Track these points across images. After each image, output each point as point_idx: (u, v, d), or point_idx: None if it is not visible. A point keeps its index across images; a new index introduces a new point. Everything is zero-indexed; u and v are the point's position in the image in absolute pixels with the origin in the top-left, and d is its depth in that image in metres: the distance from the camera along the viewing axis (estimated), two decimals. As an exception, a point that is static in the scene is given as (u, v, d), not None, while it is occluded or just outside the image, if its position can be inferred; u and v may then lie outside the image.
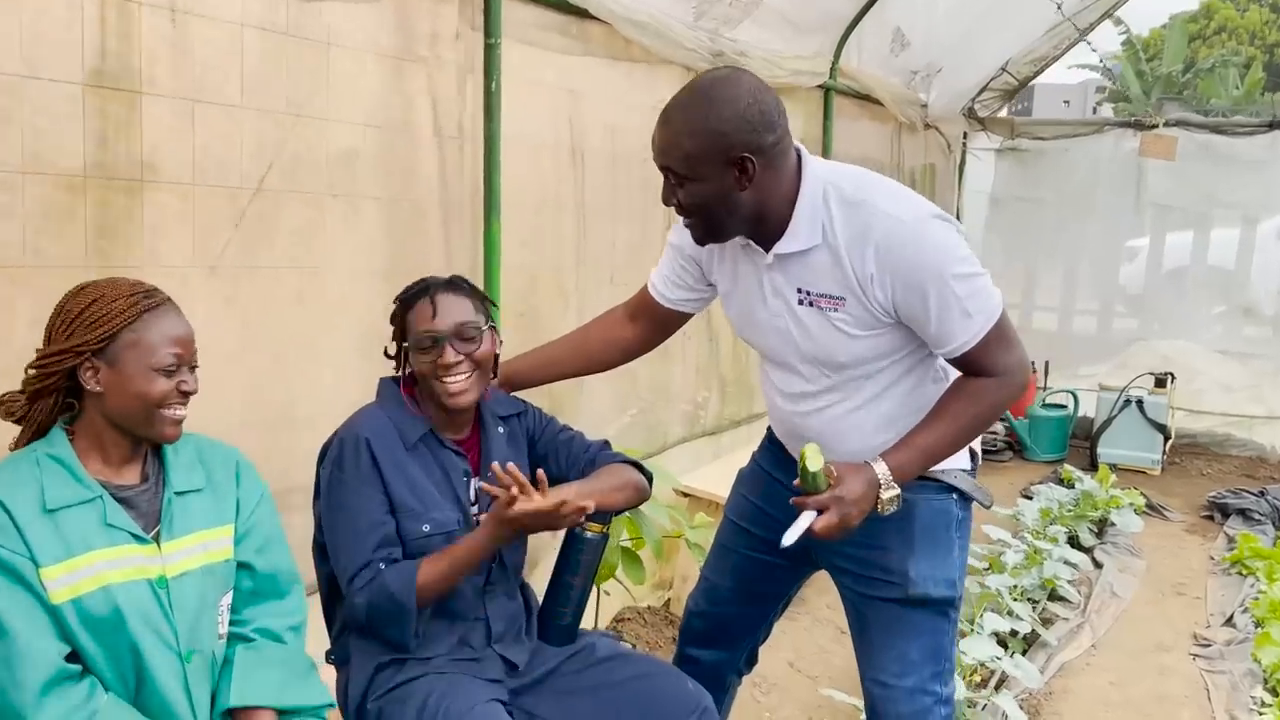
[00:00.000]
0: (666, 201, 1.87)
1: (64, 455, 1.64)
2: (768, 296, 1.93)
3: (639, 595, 3.69)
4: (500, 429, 2.14)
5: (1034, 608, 3.99)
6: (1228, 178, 6.79)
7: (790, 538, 1.80)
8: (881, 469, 1.80)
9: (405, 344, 1.99)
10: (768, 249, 1.88)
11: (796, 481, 1.81)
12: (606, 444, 2.25)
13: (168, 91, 2.17)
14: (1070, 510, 5.09)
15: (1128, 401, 6.43)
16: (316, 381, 2.54)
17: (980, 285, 1.80)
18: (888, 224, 1.77)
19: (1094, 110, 29.45)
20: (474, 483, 2.06)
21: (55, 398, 1.67)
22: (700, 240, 1.92)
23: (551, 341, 2.34)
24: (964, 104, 6.90)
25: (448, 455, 2.03)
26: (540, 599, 2.13)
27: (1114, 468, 6.00)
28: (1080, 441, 6.87)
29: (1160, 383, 6.47)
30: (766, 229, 1.85)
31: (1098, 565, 4.70)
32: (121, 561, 1.61)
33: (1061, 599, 4.21)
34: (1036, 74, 6.89)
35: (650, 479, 2.22)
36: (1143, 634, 4.06)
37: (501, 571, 2.08)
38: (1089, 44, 6.34)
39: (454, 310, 1.97)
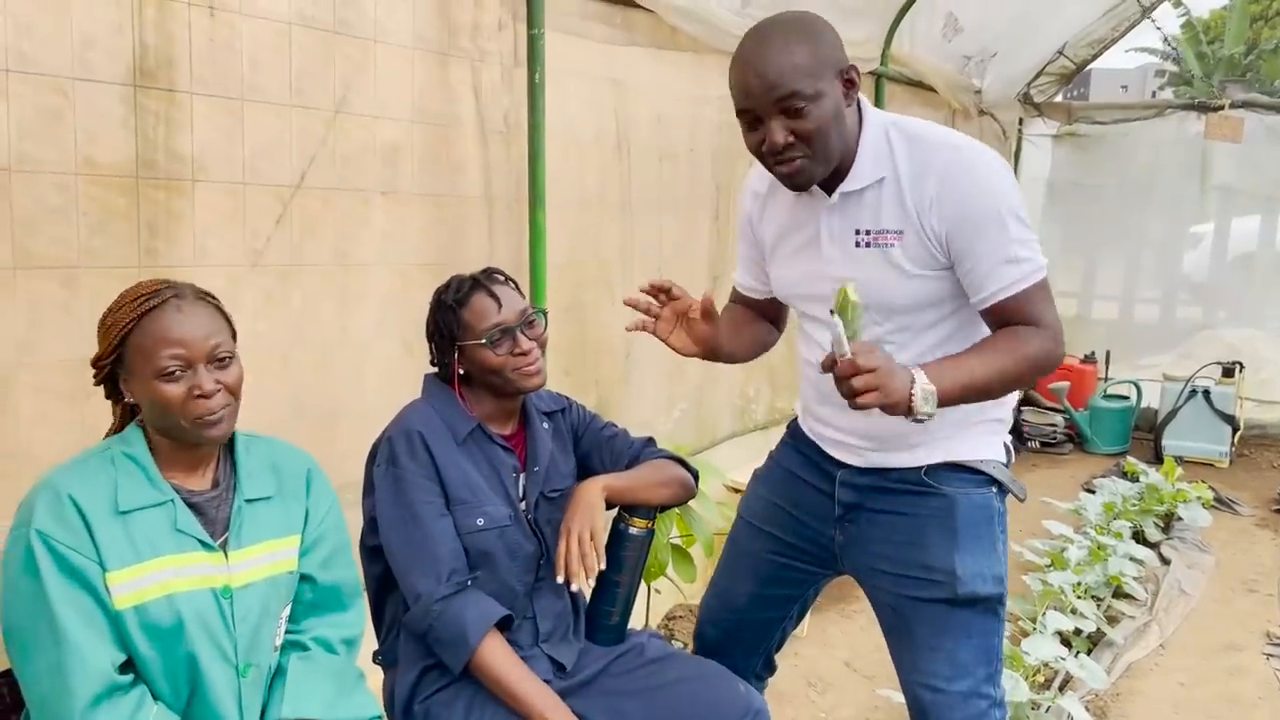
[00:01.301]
0: (776, 145, 1.74)
1: (139, 454, 1.60)
2: (824, 244, 1.86)
3: (690, 593, 3.64)
4: (545, 425, 2.12)
5: (1098, 605, 3.87)
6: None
7: (831, 324, 1.61)
8: (920, 375, 1.62)
9: (463, 343, 1.96)
10: (831, 191, 1.83)
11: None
12: (651, 440, 2.21)
13: (216, 90, 2.16)
14: (1135, 505, 4.93)
15: (1194, 392, 6.24)
16: (363, 378, 2.53)
17: (1031, 237, 1.75)
18: (949, 154, 1.74)
19: (1153, 95, 28.74)
20: (522, 478, 2.04)
21: (117, 402, 1.64)
22: (806, 180, 1.79)
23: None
24: (1019, 89, 6.74)
25: (496, 451, 2.01)
26: (588, 598, 2.10)
27: (1180, 460, 5.83)
28: (1144, 434, 6.69)
29: (1228, 372, 6.28)
30: (835, 169, 1.81)
31: (1165, 561, 4.56)
32: (188, 569, 1.57)
33: (1127, 596, 4.09)
34: (1095, 57, 6.69)
35: (696, 476, 2.19)
36: (1213, 633, 3.92)
37: (550, 569, 2.03)
38: (1153, 21, 6.14)
39: (513, 300, 1.98)
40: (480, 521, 1.94)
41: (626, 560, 2.06)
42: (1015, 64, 6.39)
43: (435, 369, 2.06)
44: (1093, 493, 5.04)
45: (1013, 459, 2.03)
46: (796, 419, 2.18)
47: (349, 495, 2.08)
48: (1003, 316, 1.76)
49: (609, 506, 2.02)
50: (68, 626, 1.46)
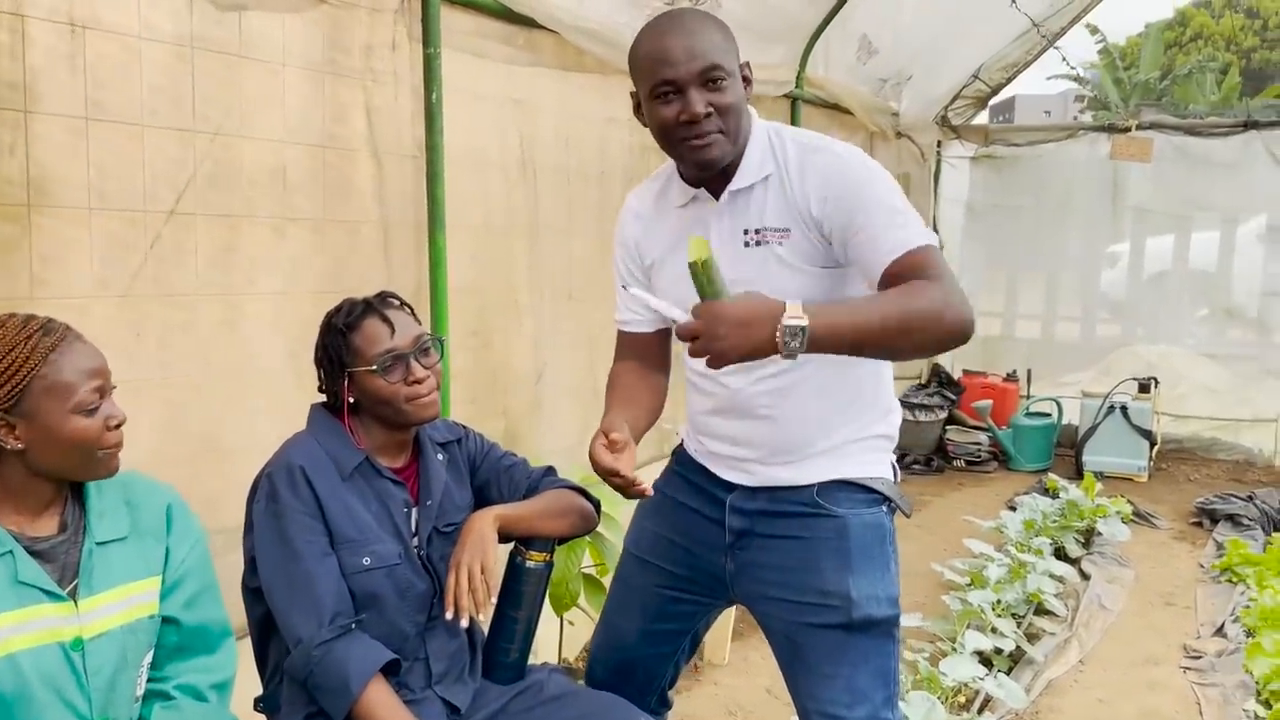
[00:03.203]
0: (694, 115, 1.71)
1: None
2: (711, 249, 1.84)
3: (609, 623, 3.56)
4: (440, 456, 2.04)
5: (1019, 623, 3.87)
6: (1205, 180, 6.76)
7: (636, 292, 1.72)
8: (794, 306, 1.52)
9: (353, 369, 1.87)
10: (718, 194, 1.83)
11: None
12: (551, 470, 2.15)
13: (61, 109, 2.04)
14: (1055, 521, 4.97)
15: (1112, 408, 6.34)
16: (245, 411, 2.42)
17: (916, 217, 1.74)
18: (829, 157, 1.78)
19: (1074, 119, 29.58)
20: (414, 512, 1.95)
21: None
22: (717, 159, 1.76)
23: (614, 398, 2.03)
24: (937, 111, 6.84)
25: (385, 485, 1.92)
26: (485, 634, 2.02)
27: (1100, 476, 5.91)
28: (1065, 450, 6.77)
29: (1144, 388, 6.40)
30: (722, 171, 1.82)
31: (1085, 577, 4.59)
32: (31, 624, 1.46)
33: (1048, 613, 4.10)
34: (1009, 80, 6.84)
35: (598, 506, 2.13)
36: (1132, 647, 3.94)
37: (443, 606, 1.94)
38: (1058, 49, 6.29)
39: (407, 325, 1.90)
40: (367, 561, 1.85)
41: (524, 595, 1.99)
42: (932, 86, 6.49)
43: (325, 398, 1.97)
44: (1015, 510, 5.07)
45: (899, 477, 2.01)
46: (681, 445, 2.12)
47: (227, 539, 2.00)
48: (901, 274, 1.65)
49: (504, 539, 1.95)
50: None
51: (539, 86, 3.28)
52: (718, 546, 1.97)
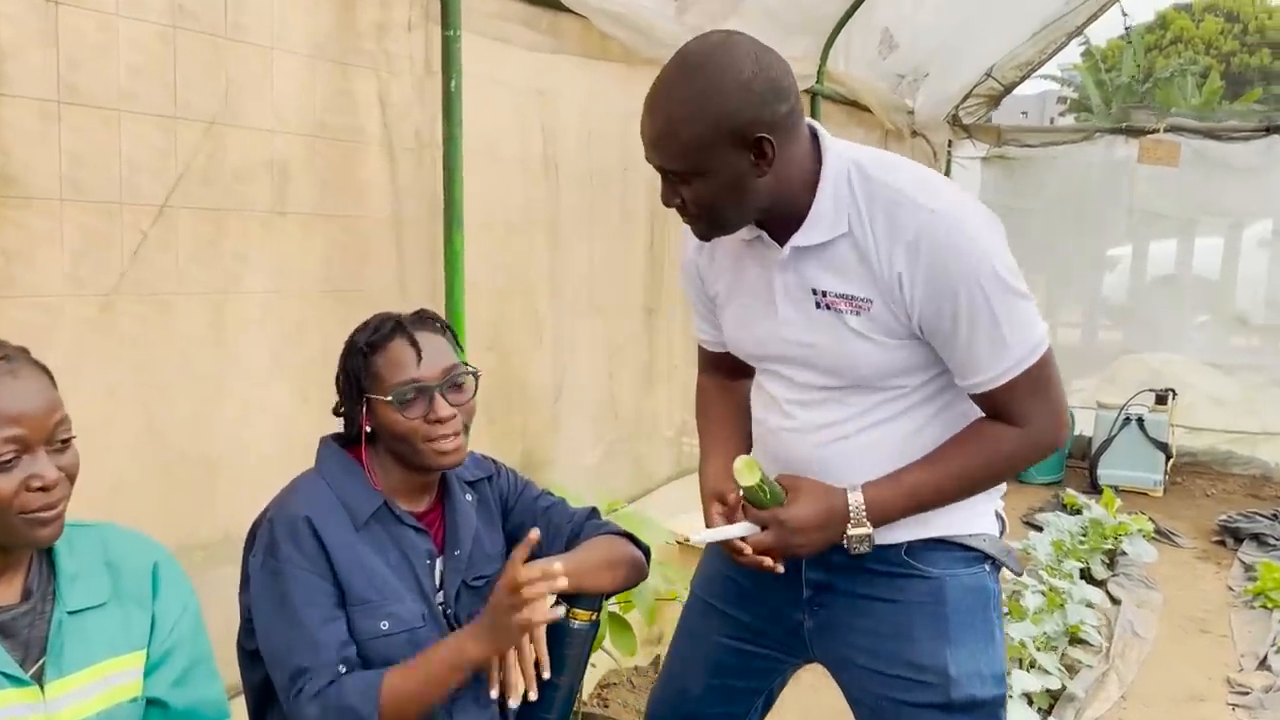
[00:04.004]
0: (667, 203, 1.54)
1: None
2: (779, 302, 1.59)
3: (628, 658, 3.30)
4: (469, 497, 1.78)
5: (1056, 654, 3.64)
6: (1221, 183, 6.56)
7: (701, 536, 1.64)
8: (856, 500, 1.53)
9: (371, 396, 1.61)
10: (783, 242, 1.55)
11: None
12: (594, 512, 1.89)
13: (33, 94, 1.75)
14: (1082, 542, 4.76)
15: (1128, 420, 6.15)
16: (249, 426, 2.14)
17: (1023, 311, 1.49)
18: (925, 218, 1.47)
19: (1051, 121, 29.60)
20: (439, 564, 1.69)
21: None
22: (705, 235, 1.59)
23: (712, 432, 1.86)
24: (949, 110, 6.63)
25: (406, 534, 1.65)
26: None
27: (1115, 490, 5.71)
28: (1077, 462, 6.57)
29: (1161, 399, 6.21)
30: (783, 217, 1.53)
31: (1114, 601, 4.38)
32: None
33: (1082, 641, 3.88)
34: (1022, 79, 6.65)
35: (648, 553, 1.86)
36: (1173, 680, 3.72)
37: (475, 675, 1.67)
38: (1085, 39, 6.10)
39: (440, 353, 1.63)
40: (385, 625, 1.59)
41: (568, 659, 1.72)
42: (946, 85, 6.29)
43: (340, 423, 1.70)
44: (1038, 529, 4.86)
45: (1006, 527, 1.76)
46: None
47: (217, 550, 1.78)
48: (987, 404, 1.55)
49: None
50: None
51: (562, 76, 2.99)
52: (794, 600, 1.72)
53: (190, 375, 2.03)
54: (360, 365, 1.62)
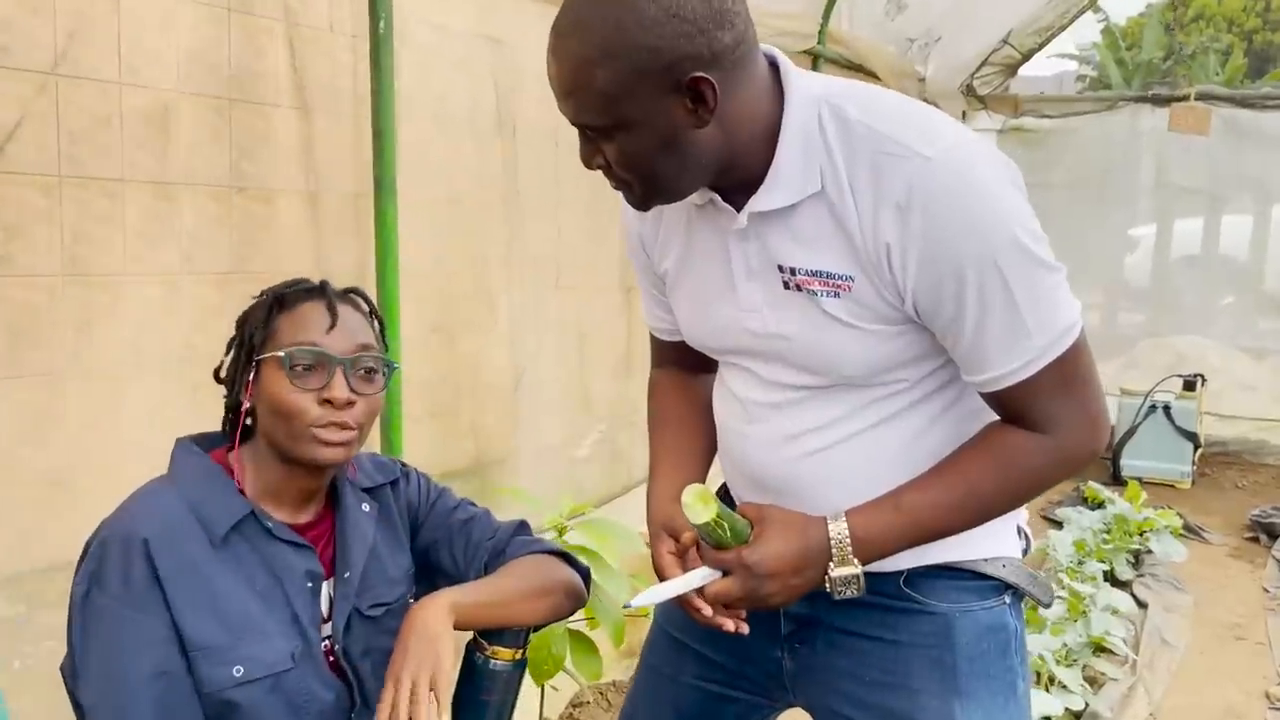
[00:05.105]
0: (589, 164, 1.23)
1: None
2: (738, 282, 1.28)
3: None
4: (365, 507, 1.46)
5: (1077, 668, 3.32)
6: (1252, 156, 6.24)
7: (643, 598, 1.27)
8: (839, 531, 1.22)
9: (262, 356, 1.31)
10: (739, 206, 1.23)
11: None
12: (522, 526, 1.57)
13: None
14: (1106, 541, 4.42)
15: (1153, 407, 5.81)
16: (113, 427, 1.83)
17: (1049, 287, 1.16)
18: (917, 165, 1.12)
19: (1072, 100, 29.17)
20: (326, 589, 1.38)
21: None
22: (642, 205, 1.26)
23: (665, 442, 1.56)
24: (963, 79, 6.29)
25: (279, 551, 1.34)
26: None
27: (1140, 482, 5.37)
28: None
29: (1189, 385, 5.87)
30: (736, 176, 1.21)
31: (1140, 604, 4.05)
32: None
33: (1106, 650, 3.55)
34: (1041, 46, 6.33)
35: (587, 575, 1.55)
36: (1206, 694, 3.40)
37: (367, 714, 1.38)
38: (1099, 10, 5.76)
39: (357, 330, 1.35)
40: (238, 672, 1.27)
41: (488, 706, 1.43)
42: (960, 51, 5.96)
43: (221, 412, 1.40)
44: (1057, 524, 4.53)
45: (1031, 545, 1.42)
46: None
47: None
48: (1002, 405, 1.23)
49: (460, 628, 1.37)
50: None
51: (520, 23, 2.65)
52: (772, 635, 1.41)
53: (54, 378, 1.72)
54: (260, 320, 1.33)
